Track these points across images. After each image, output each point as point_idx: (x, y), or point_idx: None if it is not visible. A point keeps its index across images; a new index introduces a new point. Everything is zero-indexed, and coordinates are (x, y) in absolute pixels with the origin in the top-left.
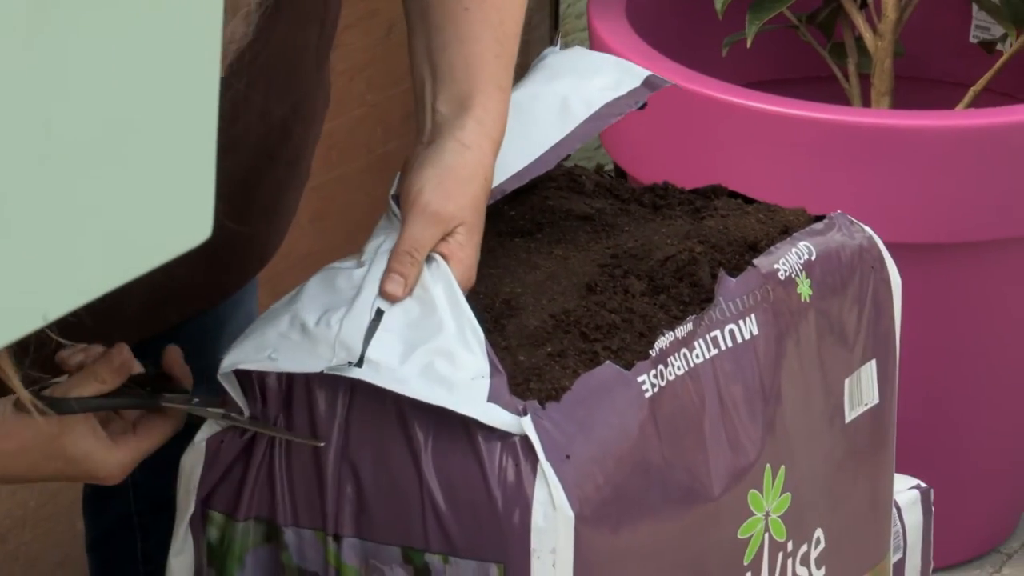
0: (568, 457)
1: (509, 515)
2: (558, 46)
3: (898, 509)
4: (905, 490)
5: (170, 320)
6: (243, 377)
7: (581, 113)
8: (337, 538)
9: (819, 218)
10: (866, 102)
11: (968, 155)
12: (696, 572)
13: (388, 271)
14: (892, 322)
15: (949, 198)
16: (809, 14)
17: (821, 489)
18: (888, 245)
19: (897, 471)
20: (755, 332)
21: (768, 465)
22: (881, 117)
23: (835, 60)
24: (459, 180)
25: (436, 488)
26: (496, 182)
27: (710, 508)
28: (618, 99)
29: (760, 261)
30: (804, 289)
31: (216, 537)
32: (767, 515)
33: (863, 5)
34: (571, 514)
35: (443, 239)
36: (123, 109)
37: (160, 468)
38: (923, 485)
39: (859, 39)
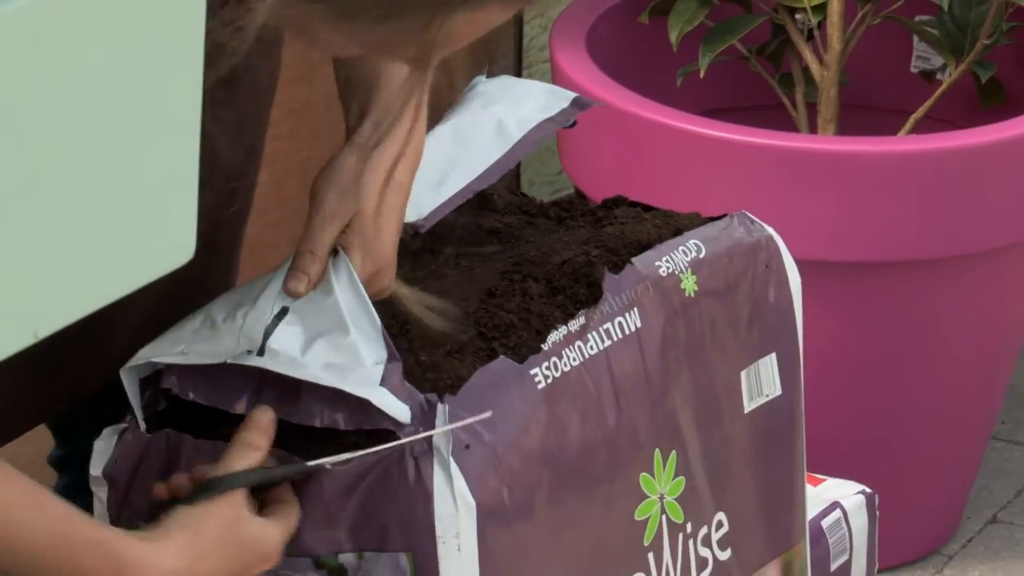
0: (468, 447)
1: (414, 505)
2: (484, 75)
3: (844, 513)
4: (851, 495)
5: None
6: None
7: (516, 133)
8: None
9: (718, 218)
10: (813, 129)
11: (909, 179)
12: (598, 553)
13: (291, 269)
14: (792, 317)
15: (891, 219)
16: (759, 46)
17: (720, 474)
18: (834, 264)
19: (843, 477)
20: (639, 324)
21: (658, 449)
22: (827, 143)
23: (783, 89)
24: (352, 176)
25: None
26: (442, 199)
27: (603, 490)
28: (550, 119)
29: (639, 259)
30: (689, 285)
31: None
32: (661, 497)
33: (810, 37)
34: (472, 501)
35: (343, 232)
36: (112, 143)
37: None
38: (868, 490)
39: (806, 69)
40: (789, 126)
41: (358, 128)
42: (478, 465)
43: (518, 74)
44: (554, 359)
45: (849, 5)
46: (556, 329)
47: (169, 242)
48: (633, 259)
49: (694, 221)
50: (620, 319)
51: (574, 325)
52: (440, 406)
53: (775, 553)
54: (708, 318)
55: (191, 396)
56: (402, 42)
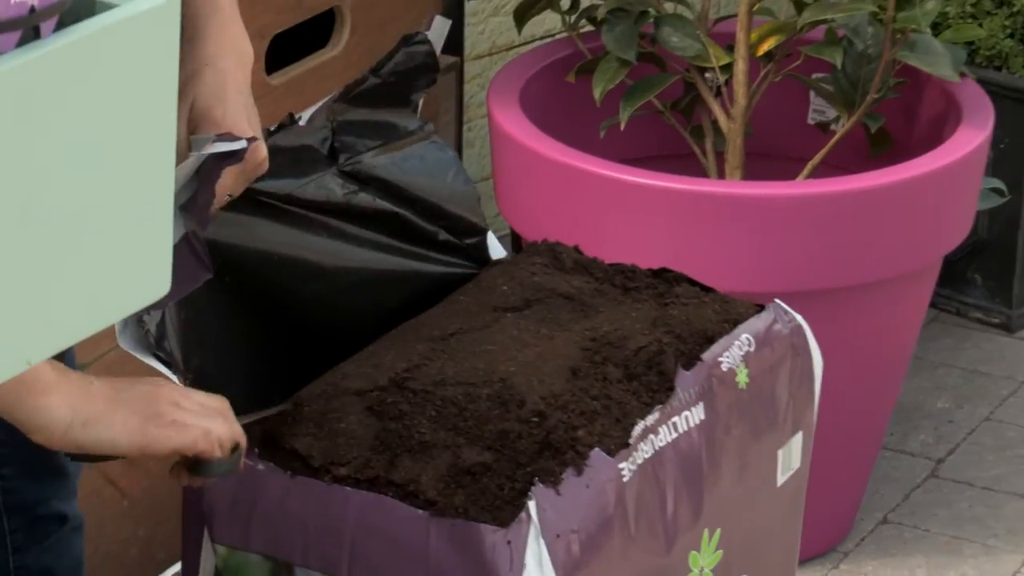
0: (558, 536)
1: None
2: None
3: None
4: None
5: None
6: None
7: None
8: None
9: (760, 307)
10: (721, 175)
11: (807, 218)
12: None
13: None
14: (813, 396)
15: (792, 254)
16: (673, 101)
17: (752, 542)
18: (739, 294)
19: None
20: (702, 417)
21: (706, 529)
22: (733, 187)
23: (695, 140)
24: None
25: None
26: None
27: (660, 565)
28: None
29: (707, 355)
30: (742, 378)
31: (222, 566)
32: (701, 569)
33: (718, 93)
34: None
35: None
36: (94, 194)
37: (38, 477)
38: None
39: (715, 122)
40: (700, 173)
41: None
42: (563, 550)
43: (459, 129)
44: (634, 453)
45: (753, 64)
46: (636, 423)
47: (147, 280)
48: (702, 355)
49: (747, 309)
50: (687, 412)
51: (650, 419)
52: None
53: None
54: (756, 405)
55: None
56: None
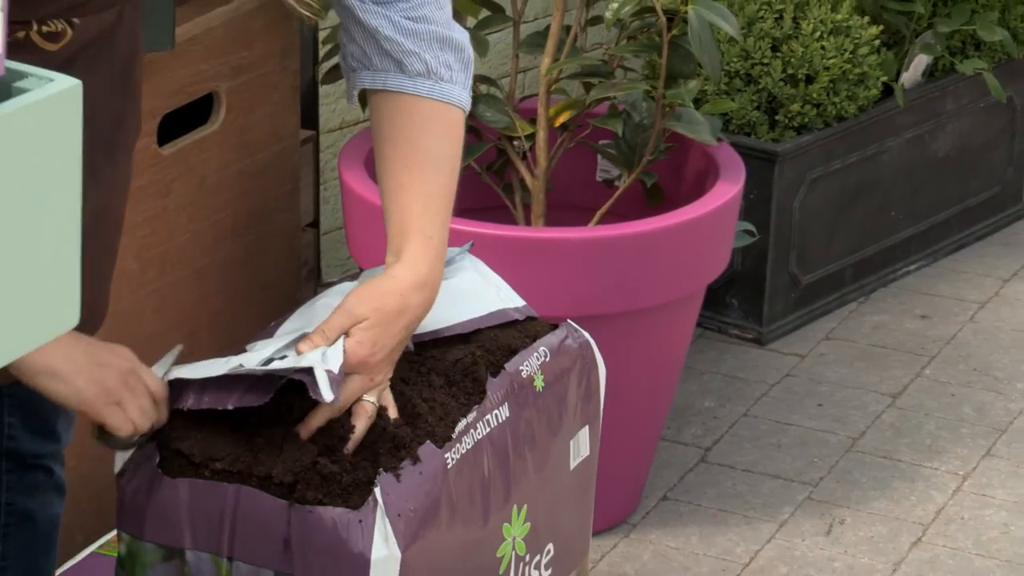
0: (399, 515)
1: (360, 553)
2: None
3: None
4: None
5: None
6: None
7: (509, 301)
8: (230, 559)
9: (555, 327)
10: (528, 222)
11: (596, 256)
12: None
13: (306, 338)
14: (599, 397)
15: (584, 285)
16: (488, 164)
17: (553, 515)
18: (542, 318)
19: None
20: (508, 415)
21: (515, 505)
22: (538, 232)
23: (506, 195)
24: (374, 295)
25: (297, 530)
26: (443, 322)
27: (479, 535)
28: (504, 309)
29: (510, 365)
30: (539, 382)
31: (124, 552)
32: (514, 539)
33: (523, 157)
34: (399, 553)
35: (351, 327)
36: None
37: (36, 434)
38: None
39: (521, 180)
40: (511, 221)
41: (392, 263)
42: (404, 526)
43: (317, 189)
44: (457, 444)
45: (551, 133)
46: (458, 421)
47: (56, 313)
48: (506, 365)
49: (543, 329)
50: (496, 411)
51: (469, 418)
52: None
53: (573, 567)
54: (551, 405)
55: (194, 404)
56: None
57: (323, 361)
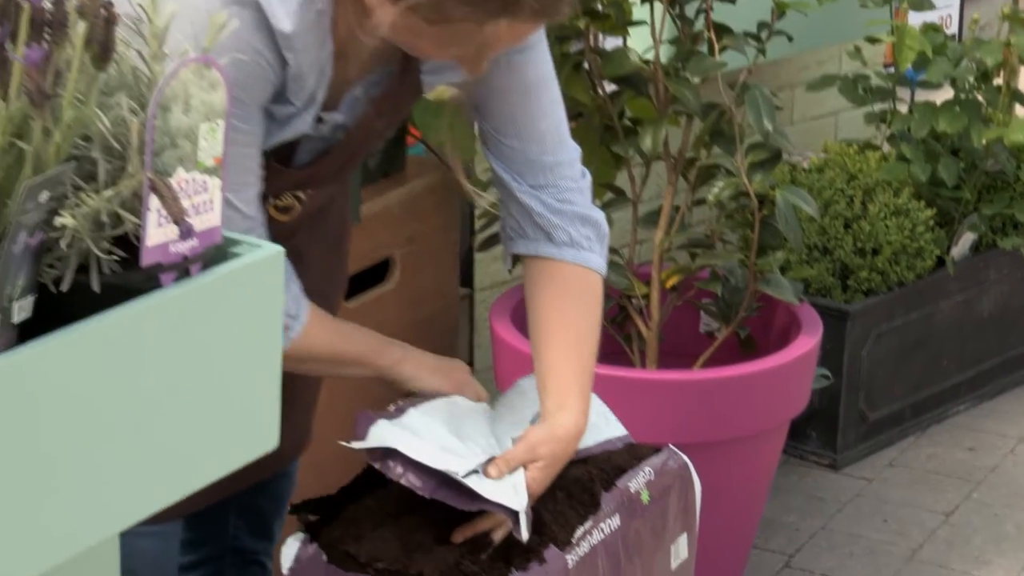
0: None
1: None
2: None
3: None
4: None
5: (232, 488)
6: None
7: (616, 430)
8: None
9: (658, 449)
10: (643, 365)
11: (699, 393)
12: None
13: (494, 462)
14: (695, 510)
15: (691, 417)
16: (612, 318)
17: None
18: (653, 443)
19: None
20: (618, 524)
21: None
22: (651, 374)
23: (626, 343)
24: (552, 439)
25: None
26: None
27: None
28: (610, 439)
29: (621, 482)
30: (645, 497)
31: None
32: None
33: (640, 312)
34: None
35: (530, 462)
36: (207, 374)
37: (256, 537)
38: None
39: (639, 331)
40: (630, 364)
41: (554, 415)
42: None
43: (471, 338)
44: (576, 548)
45: (663, 294)
46: (576, 528)
47: (257, 436)
48: (617, 481)
49: (648, 452)
50: (608, 520)
51: (586, 526)
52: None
53: None
54: (655, 516)
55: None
56: (460, 41)
57: (516, 496)
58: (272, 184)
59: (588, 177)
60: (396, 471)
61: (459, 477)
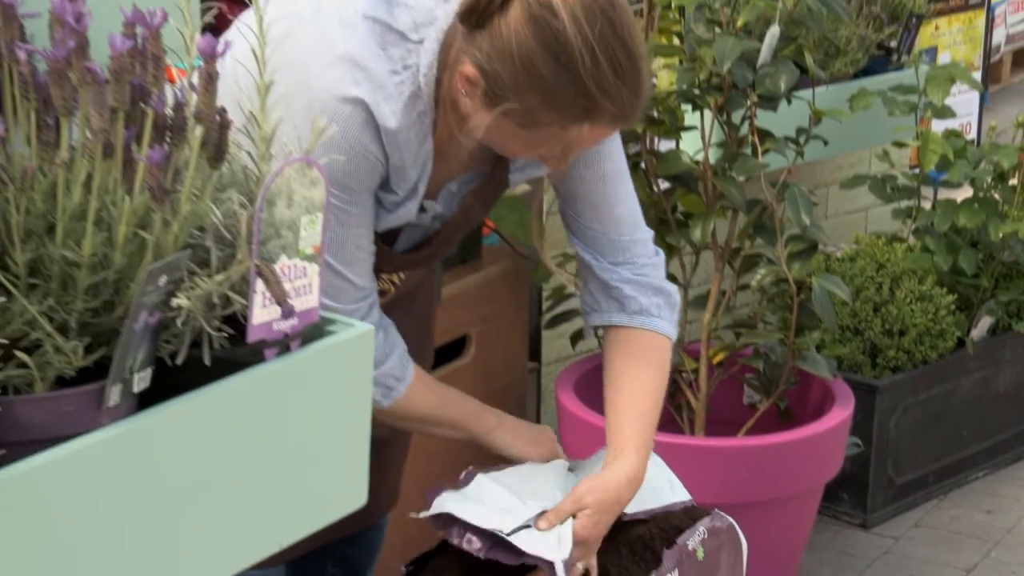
0: None
1: None
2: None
3: None
4: None
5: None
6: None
7: (680, 495)
8: None
9: (707, 512)
10: (693, 432)
11: (744, 459)
12: None
13: (544, 515)
14: (742, 563)
15: (736, 480)
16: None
17: None
18: (703, 503)
19: None
20: None
21: None
22: (700, 441)
23: (676, 413)
24: (598, 486)
25: None
26: (632, 509)
27: None
28: (673, 503)
29: (680, 539)
30: (700, 554)
31: None
32: None
33: (690, 385)
34: None
35: (578, 511)
36: (304, 438)
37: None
38: None
39: (688, 402)
40: (680, 432)
41: (611, 465)
42: None
43: (538, 407)
44: None
45: (710, 369)
46: None
47: (347, 494)
48: (676, 539)
49: (701, 513)
50: (669, 575)
51: None
52: None
53: None
54: (709, 571)
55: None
56: (547, 143)
57: (559, 547)
58: (377, 266)
59: (662, 255)
60: (455, 535)
61: (503, 534)
